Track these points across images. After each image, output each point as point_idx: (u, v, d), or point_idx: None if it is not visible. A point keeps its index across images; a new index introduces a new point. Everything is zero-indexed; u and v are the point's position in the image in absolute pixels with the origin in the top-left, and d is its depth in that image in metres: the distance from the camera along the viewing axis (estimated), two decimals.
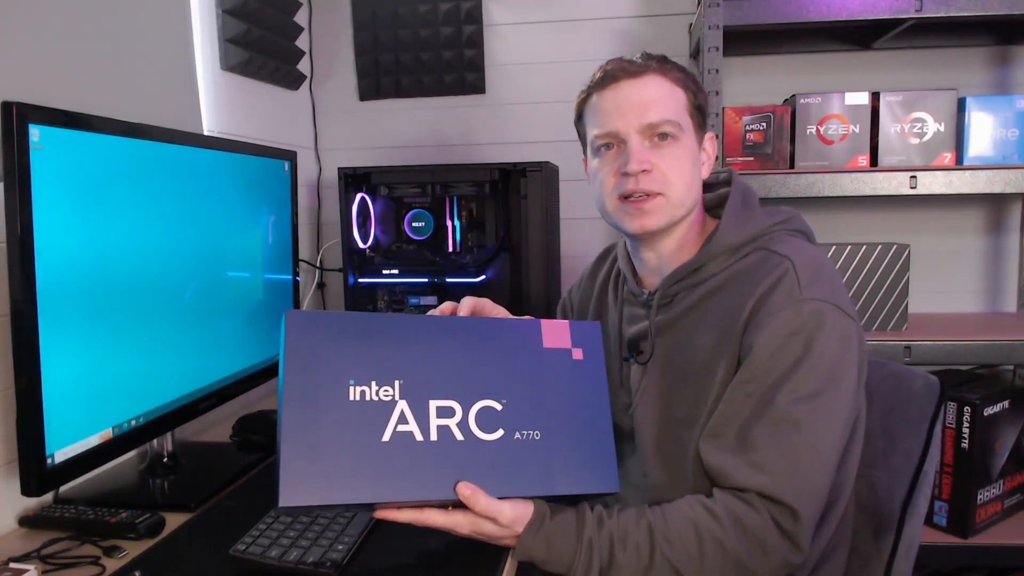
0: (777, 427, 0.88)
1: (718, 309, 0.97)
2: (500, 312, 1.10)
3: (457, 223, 1.76)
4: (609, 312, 1.16)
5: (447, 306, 1.05)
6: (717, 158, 1.65)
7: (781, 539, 0.86)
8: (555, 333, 0.93)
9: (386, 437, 0.81)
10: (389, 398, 0.83)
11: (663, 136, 0.98)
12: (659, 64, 1.01)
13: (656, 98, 0.98)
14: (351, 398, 0.82)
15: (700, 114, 1.03)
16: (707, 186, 1.08)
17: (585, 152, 1.08)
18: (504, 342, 0.91)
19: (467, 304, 1.04)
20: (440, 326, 0.90)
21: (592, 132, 1.03)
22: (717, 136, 1.65)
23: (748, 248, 0.99)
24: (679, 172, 0.99)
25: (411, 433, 0.82)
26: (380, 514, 0.83)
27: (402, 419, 0.82)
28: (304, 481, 0.77)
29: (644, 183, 0.98)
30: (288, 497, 0.76)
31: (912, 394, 1.03)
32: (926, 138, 1.67)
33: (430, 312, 1.05)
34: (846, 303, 0.94)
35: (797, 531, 0.86)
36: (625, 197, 0.99)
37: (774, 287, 0.92)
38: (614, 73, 1.00)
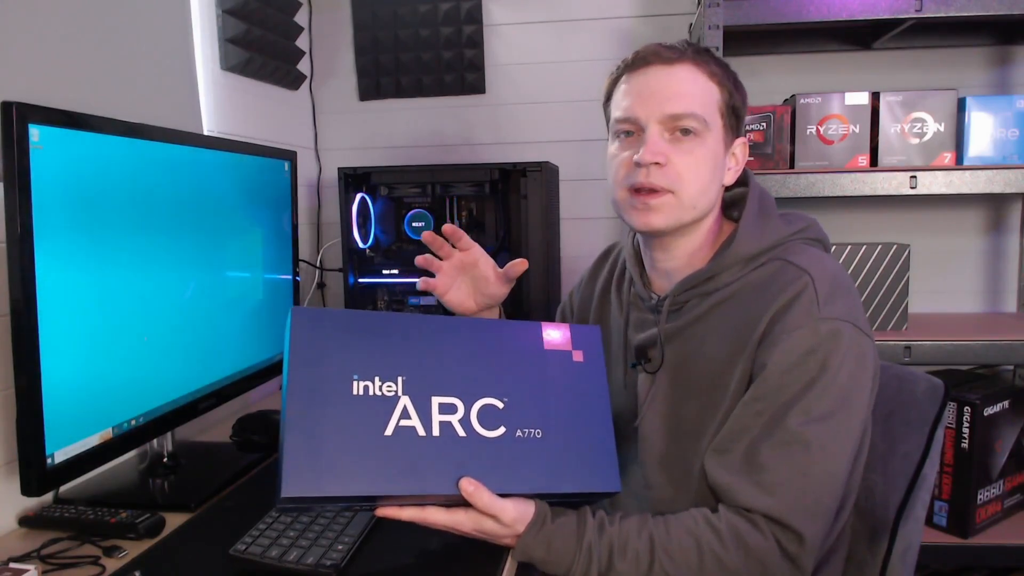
0: (786, 447, 0.85)
1: (731, 320, 0.94)
2: (488, 263, 1.12)
3: (457, 223, 1.76)
4: (612, 315, 1.13)
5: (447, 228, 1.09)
6: None
7: (783, 561, 0.84)
8: (555, 335, 0.94)
9: (389, 431, 0.82)
10: (392, 393, 0.83)
11: (685, 131, 0.94)
12: (696, 55, 0.96)
13: (685, 90, 0.94)
14: (354, 393, 0.82)
15: (734, 116, 0.97)
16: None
17: (609, 136, 1.04)
18: (505, 342, 0.91)
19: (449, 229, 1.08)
20: (442, 325, 0.91)
21: (614, 115, 0.99)
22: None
23: (764, 258, 0.96)
24: (695, 172, 0.94)
25: (413, 428, 0.83)
26: (382, 512, 0.83)
27: (405, 414, 0.83)
28: (307, 472, 0.77)
29: (655, 177, 0.93)
30: (290, 488, 0.76)
31: (915, 397, 1.02)
32: (926, 138, 1.67)
33: (427, 233, 1.10)
34: (862, 319, 0.91)
35: (800, 555, 0.84)
36: (635, 190, 0.95)
37: (792, 303, 0.89)
38: (646, 57, 0.96)
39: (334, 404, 0.81)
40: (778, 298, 0.90)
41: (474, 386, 0.87)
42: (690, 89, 0.94)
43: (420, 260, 1.10)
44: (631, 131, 0.97)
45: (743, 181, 1.04)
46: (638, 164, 0.93)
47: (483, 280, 1.11)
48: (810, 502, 0.85)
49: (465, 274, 1.12)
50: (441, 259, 1.11)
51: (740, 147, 1.01)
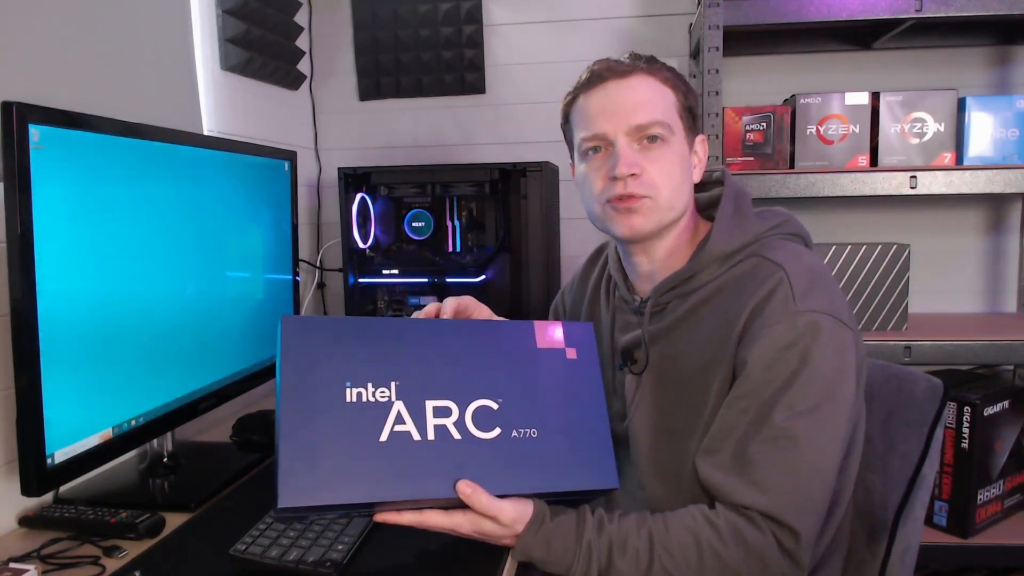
0: (775, 444, 0.86)
1: (712, 319, 0.95)
2: (484, 311, 1.10)
3: (457, 223, 1.76)
4: (601, 316, 1.14)
5: (431, 308, 1.04)
6: (717, 158, 1.66)
7: (782, 557, 0.85)
8: (548, 333, 0.94)
9: (384, 437, 0.81)
10: (386, 399, 0.83)
11: (652, 138, 0.96)
12: (647, 64, 0.98)
13: (645, 99, 0.96)
14: (348, 400, 0.82)
15: (691, 116, 1.00)
16: (699, 185, 1.06)
17: (572, 156, 1.05)
18: (498, 343, 0.91)
19: (450, 305, 1.03)
20: (434, 328, 0.91)
21: (579, 135, 1.00)
22: (717, 136, 1.65)
23: (741, 255, 0.97)
24: (668, 175, 0.96)
25: (408, 433, 0.82)
26: (380, 517, 0.83)
27: (399, 419, 0.83)
28: (303, 482, 0.77)
29: (632, 187, 0.95)
30: (287, 498, 0.76)
31: (913, 397, 1.03)
32: (926, 138, 1.67)
33: (415, 314, 1.04)
34: (842, 311, 0.91)
35: (798, 550, 0.85)
36: (615, 200, 0.97)
37: (768, 298, 0.90)
38: (601, 73, 0.98)
39: (328, 412, 0.81)
40: (755, 294, 0.91)
41: (468, 388, 0.87)
42: (650, 97, 0.96)
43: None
44: (599, 147, 0.99)
45: (720, 180, 1.05)
46: (615, 178, 0.95)
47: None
48: (802, 497, 0.86)
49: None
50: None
51: (700, 144, 1.04)
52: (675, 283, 0.99)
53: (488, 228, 1.77)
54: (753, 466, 0.86)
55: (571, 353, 0.94)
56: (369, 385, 0.83)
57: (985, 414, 1.61)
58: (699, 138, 1.03)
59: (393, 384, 0.84)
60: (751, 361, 0.88)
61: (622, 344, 1.05)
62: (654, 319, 1.02)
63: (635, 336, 1.03)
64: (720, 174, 1.06)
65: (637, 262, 1.04)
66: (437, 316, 1.03)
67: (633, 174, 0.95)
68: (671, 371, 0.99)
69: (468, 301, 1.08)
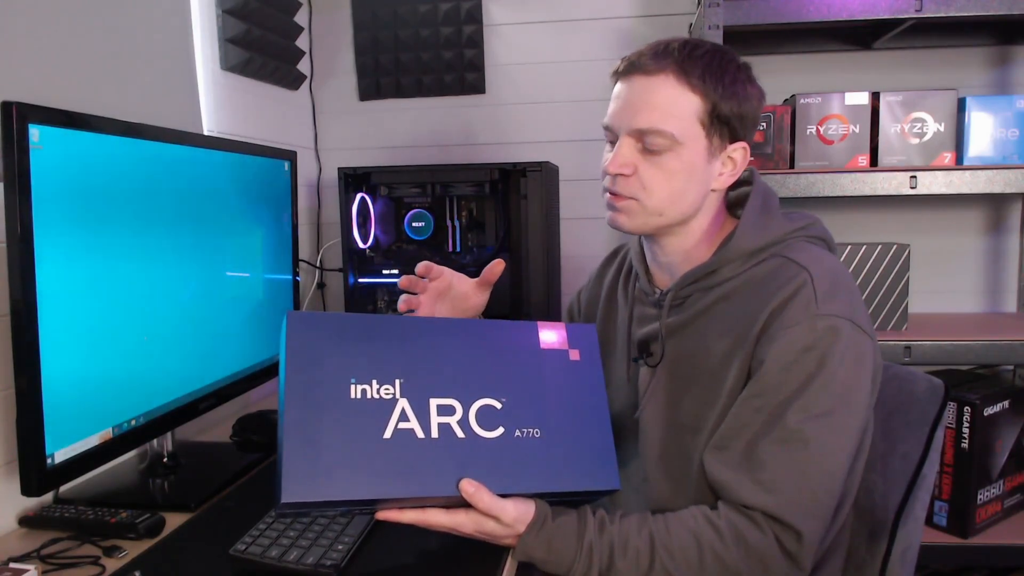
0: (785, 444, 0.86)
1: (731, 315, 0.95)
2: (461, 280, 1.13)
3: (457, 223, 1.76)
4: (619, 312, 1.14)
5: (421, 267, 1.10)
6: None
7: (783, 559, 0.85)
8: (551, 335, 0.94)
9: (387, 434, 0.82)
10: (390, 396, 0.83)
11: (651, 145, 0.94)
12: (682, 62, 0.93)
13: (656, 103, 0.93)
14: (352, 396, 0.82)
15: (723, 123, 0.94)
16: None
17: None
18: (502, 343, 0.92)
19: (423, 265, 1.10)
20: (439, 327, 0.91)
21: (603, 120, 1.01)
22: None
23: (765, 254, 0.96)
24: (663, 183, 0.94)
25: (412, 431, 0.83)
26: (383, 515, 0.83)
27: (403, 417, 0.83)
28: (306, 478, 0.77)
29: (619, 185, 0.96)
30: (290, 493, 0.76)
31: (914, 397, 1.03)
32: (926, 138, 1.67)
33: (403, 278, 1.10)
34: (863, 318, 0.91)
35: (799, 552, 0.85)
36: (608, 192, 0.99)
37: (790, 299, 0.89)
38: (630, 65, 0.97)
39: (332, 408, 0.81)
40: (776, 295, 0.91)
41: (472, 387, 0.87)
42: (662, 103, 0.93)
43: (402, 306, 1.12)
44: (611, 137, 0.99)
45: (748, 180, 1.04)
46: (606, 172, 0.97)
47: (461, 298, 1.13)
48: (808, 500, 0.86)
49: (443, 298, 1.13)
50: (418, 294, 1.12)
51: (739, 151, 0.98)
52: (697, 277, 0.99)
53: (488, 228, 1.77)
54: (761, 465, 0.86)
55: (574, 355, 0.94)
56: (373, 382, 0.83)
57: (985, 414, 1.61)
58: (738, 145, 0.97)
59: (397, 381, 0.84)
60: (768, 361, 0.88)
61: (639, 336, 1.05)
62: (673, 312, 1.02)
63: (652, 329, 1.03)
64: (748, 174, 1.04)
65: (653, 251, 1.05)
66: (424, 276, 1.10)
67: (621, 174, 0.95)
68: (686, 365, 0.99)
69: (444, 269, 1.12)
